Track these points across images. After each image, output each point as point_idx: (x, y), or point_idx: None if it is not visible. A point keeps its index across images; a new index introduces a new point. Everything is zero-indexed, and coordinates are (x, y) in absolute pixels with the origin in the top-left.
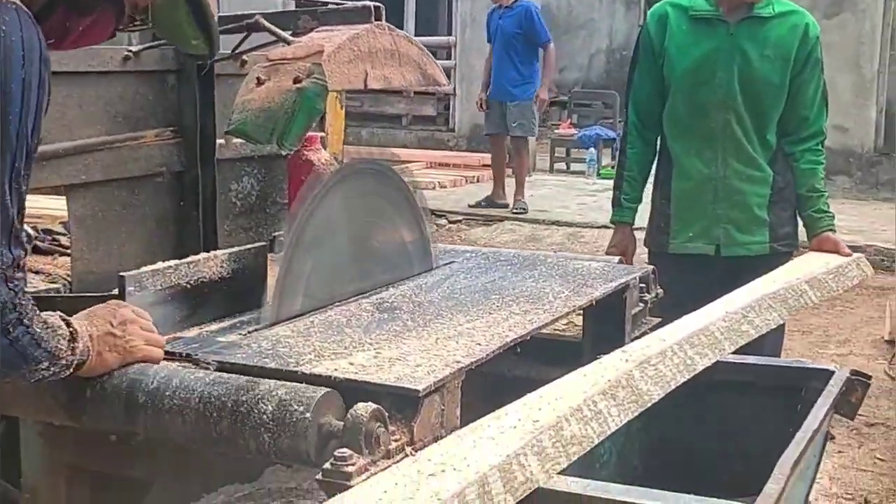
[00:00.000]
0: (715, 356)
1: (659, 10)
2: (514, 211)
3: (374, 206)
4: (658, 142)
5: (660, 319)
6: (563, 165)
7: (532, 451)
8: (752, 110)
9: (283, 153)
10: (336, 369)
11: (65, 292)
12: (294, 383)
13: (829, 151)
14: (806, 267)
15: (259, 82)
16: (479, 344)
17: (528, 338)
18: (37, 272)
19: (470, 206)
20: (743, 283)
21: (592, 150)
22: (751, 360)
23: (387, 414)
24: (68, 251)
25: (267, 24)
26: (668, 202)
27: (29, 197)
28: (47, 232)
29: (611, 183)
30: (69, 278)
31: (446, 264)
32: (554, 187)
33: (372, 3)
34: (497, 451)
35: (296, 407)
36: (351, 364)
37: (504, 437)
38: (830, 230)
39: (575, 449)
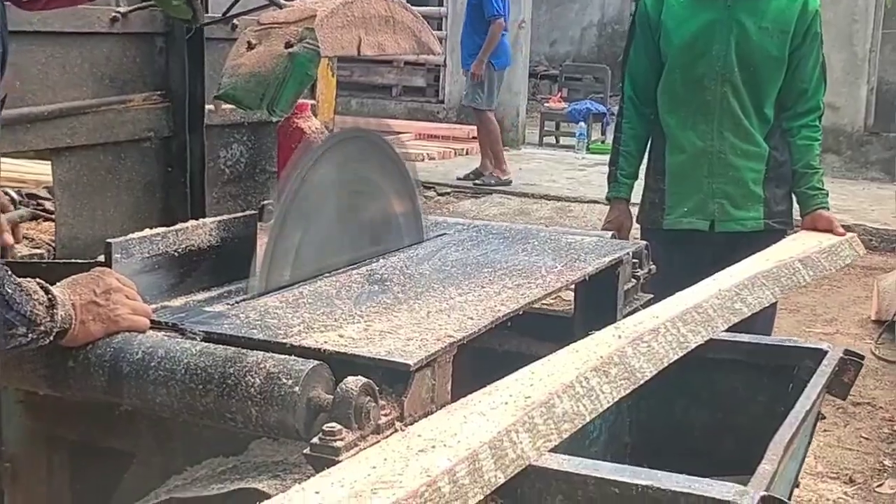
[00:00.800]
0: (708, 334)
1: None
2: (481, 182)
3: (365, 175)
4: (654, 117)
5: (652, 296)
6: (552, 139)
7: (523, 427)
8: (749, 84)
9: (273, 120)
10: (326, 342)
11: (49, 258)
12: (282, 356)
13: None
14: (799, 245)
15: (250, 46)
16: (471, 318)
17: (521, 312)
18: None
19: (458, 179)
20: (737, 259)
21: (582, 124)
22: (743, 338)
23: (377, 388)
24: (52, 216)
25: None
26: (663, 177)
27: (13, 161)
28: (31, 196)
29: (600, 157)
30: (53, 244)
31: (437, 236)
32: (543, 161)
33: None
34: (488, 428)
35: (284, 380)
36: (341, 336)
37: (495, 414)
38: (824, 208)
39: (567, 426)
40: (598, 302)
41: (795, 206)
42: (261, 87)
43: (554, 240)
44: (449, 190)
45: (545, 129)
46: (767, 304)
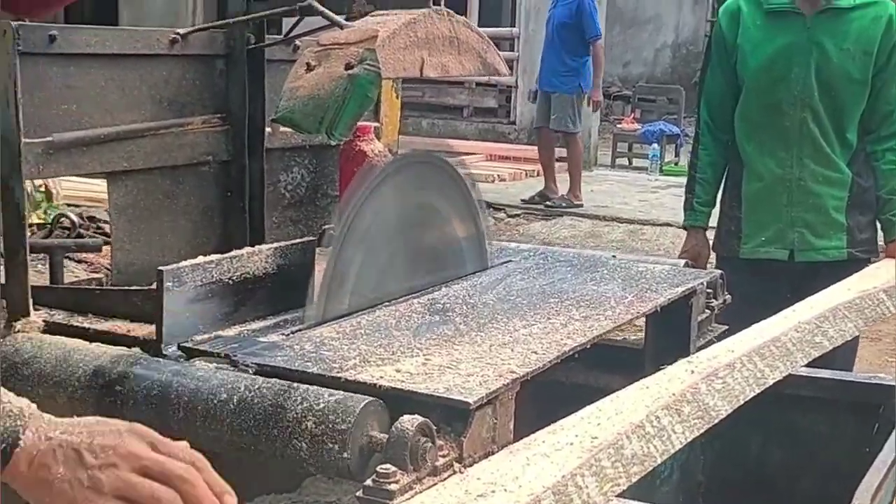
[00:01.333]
0: (787, 369)
1: (732, 5)
2: (552, 204)
3: (428, 200)
4: (731, 143)
5: (726, 327)
6: (624, 161)
7: (590, 471)
8: (830, 108)
9: (333, 143)
10: (381, 377)
11: (107, 283)
12: (336, 391)
13: None
14: (883, 274)
15: (308, 68)
16: (536, 352)
17: (588, 346)
18: (79, 261)
19: (523, 202)
20: (817, 290)
21: (655, 145)
22: (824, 373)
23: (434, 427)
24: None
25: (320, 6)
26: (739, 205)
27: (73, 178)
28: (92, 219)
29: (673, 179)
30: (111, 267)
31: (502, 263)
32: (615, 183)
33: None
34: (552, 471)
35: (337, 417)
36: (398, 371)
37: (560, 455)
38: None
39: (636, 469)
40: (670, 333)
41: (881, 233)
42: (319, 110)
43: (624, 268)
44: (519, 212)
45: (618, 150)
46: (849, 338)
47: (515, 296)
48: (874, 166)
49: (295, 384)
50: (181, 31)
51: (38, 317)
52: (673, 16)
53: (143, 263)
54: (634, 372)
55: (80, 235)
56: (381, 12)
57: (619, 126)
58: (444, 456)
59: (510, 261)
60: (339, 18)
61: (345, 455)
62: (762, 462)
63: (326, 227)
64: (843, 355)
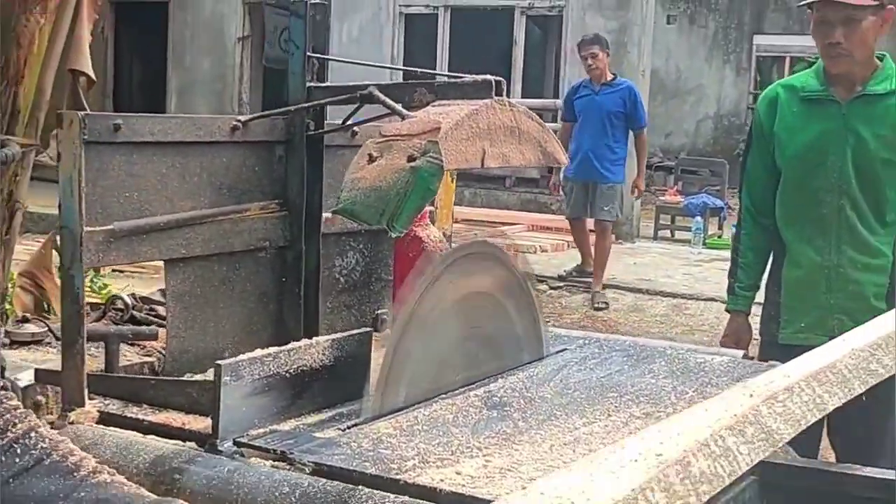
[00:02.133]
0: (844, 395)
1: (770, 92)
2: (596, 307)
3: (485, 290)
4: (773, 227)
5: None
6: (667, 233)
7: (659, 486)
8: (868, 194)
9: (394, 235)
10: (442, 479)
11: (158, 367)
12: (399, 495)
13: None
14: None
15: (371, 159)
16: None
17: None
18: (132, 344)
19: (560, 277)
20: None
21: (699, 218)
22: (890, 475)
23: None
24: (164, 322)
25: (381, 95)
26: (779, 290)
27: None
28: (145, 300)
29: (717, 253)
30: (164, 352)
31: (558, 352)
32: (658, 255)
33: (493, 78)
34: (619, 486)
35: None
36: (458, 474)
37: (626, 472)
38: None
39: (705, 488)
40: None
41: None
42: (381, 203)
43: (682, 359)
44: (561, 284)
45: (660, 222)
46: None
47: (573, 389)
48: None
49: (358, 487)
50: (242, 118)
51: (92, 406)
52: (715, 87)
53: (197, 350)
54: None
55: (133, 318)
56: (443, 102)
57: (661, 198)
58: None
59: (566, 349)
60: (400, 107)
61: None
62: None
63: (380, 312)
64: (891, 452)
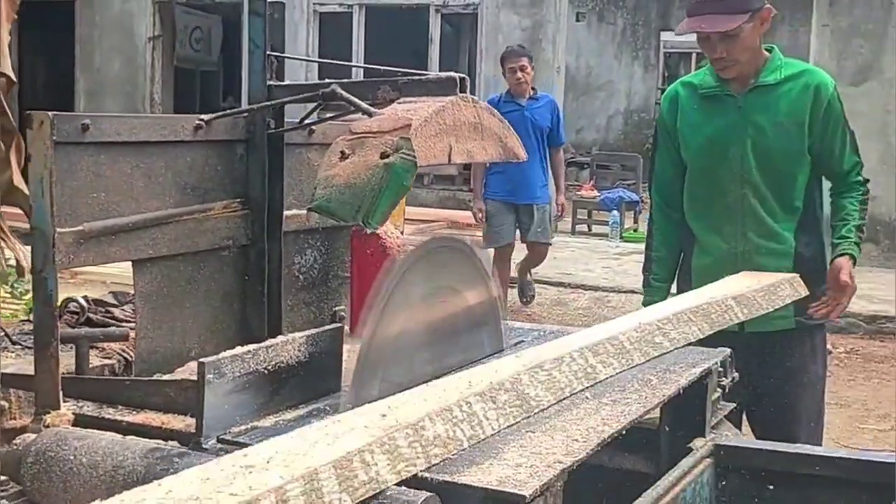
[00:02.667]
0: (621, 366)
1: (671, 91)
2: (524, 300)
3: (450, 284)
4: (683, 220)
5: (734, 405)
6: (584, 227)
7: (381, 448)
8: (770, 181)
9: (369, 231)
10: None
11: (119, 369)
12: (394, 487)
13: None
14: (737, 284)
15: (343, 156)
16: (576, 440)
17: (623, 432)
18: (92, 347)
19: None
20: (770, 359)
21: (615, 212)
22: (841, 453)
23: None
24: (122, 324)
25: (345, 93)
26: (690, 279)
27: None
28: (98, 303)
29: (634, 246)
30: (124, 354)
31: (515, 345)
32: (577, 249)
33: (457, 75)
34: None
35: None
36: (444, 462)
37: (352, 435)
38: (843, 255)
39: (437, 451)
40: (685, 413)
41: None
42: (356, 199)
43: None
44: None
45: (577, 217)
46: (693, 340)
47: None
48: (832, 207)
49: None
50: (205, 117)
51: (66, 409)
52: (624, 83)
53: (165, 351)
54: (651, 452)
55: (89, 320)
56: (408, 99)
57: (578, 193)
58: None
59: (522, 341)
60: (366, 105)
61: None
62: None
63: (337, 308)
64: (807, 428)
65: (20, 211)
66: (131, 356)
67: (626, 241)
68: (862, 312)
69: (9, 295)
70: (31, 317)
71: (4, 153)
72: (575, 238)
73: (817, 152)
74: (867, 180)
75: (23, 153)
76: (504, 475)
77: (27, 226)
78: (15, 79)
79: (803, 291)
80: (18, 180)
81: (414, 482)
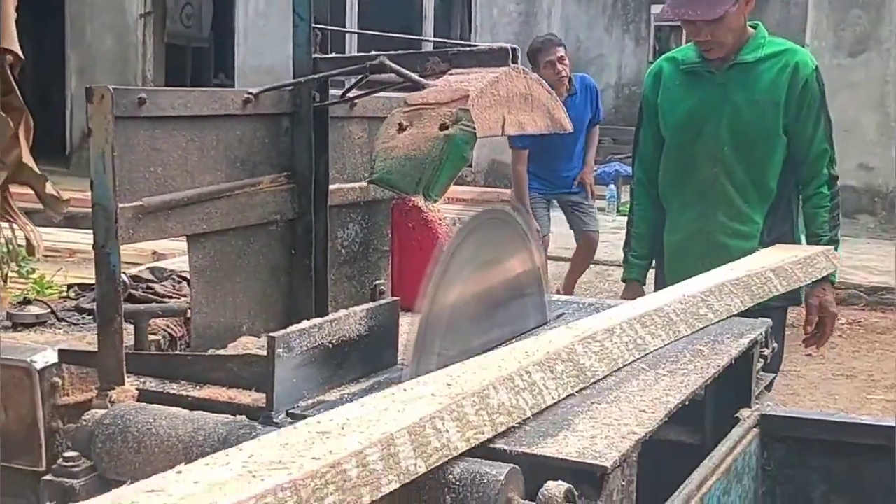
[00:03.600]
0: (668, 337)
1: (655, 66)
2: None
3: (500, 257)
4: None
5: (774, 375)
6: None
7: (451, 416)
8: (744, 161)
9: (431, 203)
10: (506, 441)
11: (164, 345)
12: (470, 458)
13: (853, 191)
14: (773, 256)
15: (401, 128)
16: (644, 411)
17: (686, 402)
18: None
19: None
20: None
21: (612, 186)
22: (889, 421)
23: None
24: (164, 299)
25: (394, 65)
26: (662, 257)
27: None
28: (136, 279)
29: None
30: (167, 329)
31: (558, 317)
32: None
33: (509, 46)
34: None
35: (480, 486)
36: (516, 434)
37: (420, 403)
38: (821, 283)
39: (503, 419)
40: (730, 383)
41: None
42: (417, 171)
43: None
44: None
45: None
46: (736, 312)
47: None
48: (802, 210)
49: None
50: (254, 90)
51: (130, 384)
52: (615, 57)
53: (219, 326)
54: (696, 422)
55: (131, 297)
56: (460, 70)
57: None
58: None
59: (564, 314)
60: (416, 77)
61: None
62: None
63: (377, 282)
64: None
65: (29, 190)
66: (176, 332)
67: (622, 215)
68: (863, 284)
69: (15, 274)
70: (70, 293)
71: (14, 130)
72: None
73: (791, 132)
74: (837, 177)
75: (31, 130)
76: (582, 446)
77: (36, 205)
78: (22, 56)
79: (837, 264)
80: (27, 158)
81: (493, 454)
